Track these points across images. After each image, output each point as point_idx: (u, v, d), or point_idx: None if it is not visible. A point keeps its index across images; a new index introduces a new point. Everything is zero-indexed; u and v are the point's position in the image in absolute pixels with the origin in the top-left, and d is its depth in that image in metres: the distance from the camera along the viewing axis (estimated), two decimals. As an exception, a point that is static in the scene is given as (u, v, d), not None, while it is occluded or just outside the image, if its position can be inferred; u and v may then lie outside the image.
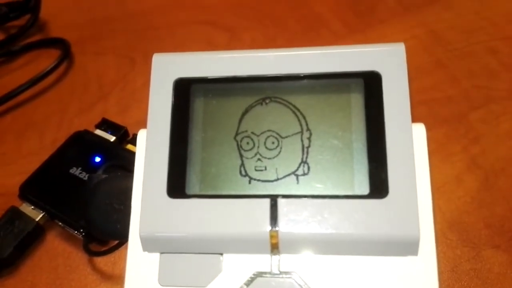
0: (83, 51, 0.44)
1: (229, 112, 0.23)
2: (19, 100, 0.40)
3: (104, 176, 0.26)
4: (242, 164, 0.22)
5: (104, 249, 0.28)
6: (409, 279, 0.20)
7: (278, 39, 0.42)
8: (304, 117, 0.22)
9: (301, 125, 0.22)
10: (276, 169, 0.22)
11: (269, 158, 0.22)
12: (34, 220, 0.31)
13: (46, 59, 0.42)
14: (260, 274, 0.21)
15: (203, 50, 0.24)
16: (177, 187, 0.22)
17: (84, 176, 0.32)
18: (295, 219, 0.21)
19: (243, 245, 0.21)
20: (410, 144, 0.21)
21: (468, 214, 0.30)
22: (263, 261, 0.21)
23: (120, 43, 0.44)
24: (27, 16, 0.45)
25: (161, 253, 0.22)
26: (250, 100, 0.23)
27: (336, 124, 0.22)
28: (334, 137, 0.22)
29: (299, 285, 0.21)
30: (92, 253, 0.28)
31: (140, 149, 0.23)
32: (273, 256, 0.21)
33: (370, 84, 0.22)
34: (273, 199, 0.21)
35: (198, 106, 0.23)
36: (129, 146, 0.34)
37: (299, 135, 0.22)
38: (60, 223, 0.31)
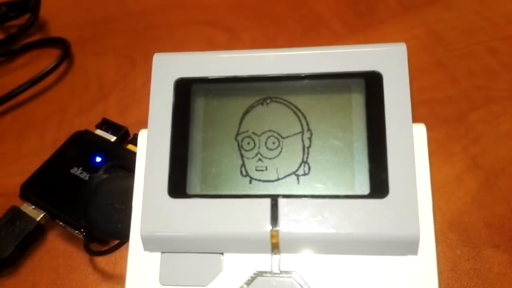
0: (83, 51, 0.44)
1: (230, 112, 0.23)
2: (19, 100, 0.40)
3: (105, 176, 0.26)
4: (243, 164, 0.22)
5: (105, 249, 0.28)
6: (409, 279, 0.20)
7: (278, 39, 0.42)
8: (305, 117, 0.22)
9: (301, 125, 0.22)
10: (277, 169, 0.22)
11: (269, 158, 0.22)
12: (35, 220, 0.31)
13: (46, 59, 0.42)
14: (260, 274, 0.21)
15: (203, 50, 0.24)
16: (178, 187, 0.22)
17: (85, 176, 0.32)
18: (296, 219, 0.21)
19: (243, 244, 0.21)
20: (410, 144, 0.21)
21: (468, 214, 0.30)
22: (264, 261, 0.21)
23: (120, 43, 0.44)
24: (27, 16, 0.45)
25: (162, 252, 0.22)
26: (251, 100, 0.23)
27: (336, 124, 0.22)
28: (334, 137, 0.22)
29: (300, 284, 0.21)
30: (93, 253, 0.28)
31: (141, 149, 0.23)
32: (273, 256, 0.21)
33: (371, 84, 0.22)
34: (274, 199, 0.21)
35: (199, 106, 0.23)
36: (130, 146, 0.34)
37: (299, 135, 0.22)
38: (61, 223, 0.31)
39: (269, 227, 0.21)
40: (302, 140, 0.22)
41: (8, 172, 0.36)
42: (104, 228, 0.25)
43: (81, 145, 0.34)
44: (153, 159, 0.22)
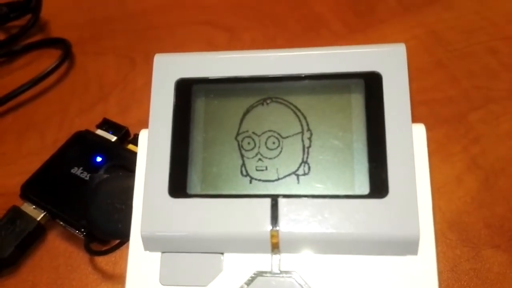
0: (84, 51, 0.44)
1: (230, 112, 0.23)
2: (20, 100, 0.40)
3: (105, 176, 0.26)
4: (243, 164, 0.22)
5: (105, 249, 0.28)
6: (408, 279, 0.20)
7: (278, 39, 0.42)
8: (305, 117, 0.22)
9: (301, 125, 0.22)
10: (277, 169, 0.22)
11: (270, 158, 0.22)
12: (35, 219, 0.31)
13: (47, 59, 0.43)
14: (260, 274, 0.21)
15: (203, 50, 0.25)
16: (178, 186, 0.22)
17: (86, 176, 0.32)
18: (296, 218, 0.21)
19: (243, 244, 0.21)
20: (410, 144, 0.21)
21: (468, 214, 0.30)
22: (264, 261, 0.21)
23: (120, 43, 0.44)
24: (28, 16, 0.45)
25: (162, 252, 0.22)
26: (251, 100, 0.23)
27: (336, 124, 0.22)
28: (334, 137, 0.22)
29: (300, 284, 0.21)
30: (93, 253, 0.28)
31: (142, 149, 0.23)
32: (273, 256, 0.21)
33: (371, 85, 0.22)
34: (274, 198, 0.21)
35: (200, 106, 0.23)
36: (130, 146, 0.34)
37: (299, 135, 0.22)
38: (61, 223, 0.31)
39: (269, 227, 0.21)
40: (302, 140, 0.22)
41: (8, 172, 0.36)
42: (104, 228, 0.25)
43: (81, 145, 0.34)
44: (154, 159, 0.22)
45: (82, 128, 0.35)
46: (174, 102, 0.23)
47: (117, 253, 0.28)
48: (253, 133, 0.23)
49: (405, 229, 0.20)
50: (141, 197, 0.22)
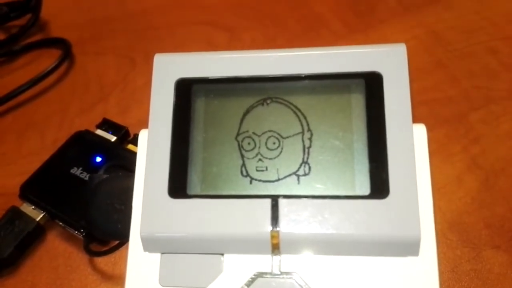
0: (84, 51, 0.44)
1: (230, 113, 0.23)
2: (20, 100, 0.40)
3: (105, 176, 0.26)
4: (243, 164, 0.22)
5: (105, 249, 0.28)
6: (409, 280, 0.20)
7: (278, 39, 0.42)
8: (305, 118, 0.22)
9: (302, 125, 0.22)
10: (277, 169, 0.22)
11: (270, 159, 0.22)
12: (34, 220, 0.31)
13: (47, 59, 0.43)
14: (260, 275, 0.21)
15: (203, 50, 0.24)
16: (178, 187, 0.22)
17: (85, 176, 0.32)
18: (296, 219, 0.21)
19: (244, 245, 0.21)
20: (411, 145, 0.21)
21: (468, 215, 0.30)
22: (264, 262, 0.21)
23: (120, 43, 0.44)
24: (28, 16, 0.45)
25: (162, 253, 0.22)
26: (251, 100, 0.23)
27: (337, 124, 0.22)
28: (335, 138, 0.22)
29: (300, 285, 0.21)
30: (92, 253, 0.28)
31: (142, 149, 0.23)
32: (274, 257, 0.21)
33: (371, 85, 0.22)
34: (274, 199, 0.21)
35: (200, 106, 0.23)
36: (130, 146, 0.34)
37: (300, 136, 0.22)
38: (61, 223, 0.31)
39: (269, 228, 0.21)
40: (303, 141, 0.22)
41: (8, 172, 0.36)
42: (104, 228, 0.25)
43: (81, 145, 0.34)
44: (154, 159, 0.22)
45: (82, 128, 0.35)
46: (174, 102, 0.23)
47: (117, 253, 0.28)
48: (253, 133, 0.22)
49: (406, 230, 0.20)
50: (141, 197, 0.22)
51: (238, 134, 0.23)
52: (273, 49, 0.23)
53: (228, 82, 0.23)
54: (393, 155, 0.21)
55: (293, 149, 0.22)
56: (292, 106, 0.23)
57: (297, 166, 0.22)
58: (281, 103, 0.23)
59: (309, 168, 0.22)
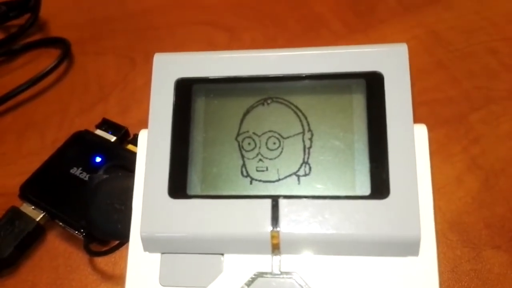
0: (83, 51, 0.44)
1: (230, 113, 0.23)
2: (19, 100, 0.40)
3: (105, 176, 0.26)
4: (244, 165, 0.22)
5: (105, 249, 0.28)
6: (409, 280, 0.20)
7: (278, 39, 0.42)
8: (306, 118, 0.22)
9: (302, 125, 0.22)
10: (278, 169, 0.22)
11: (270, 159, 0.22)
12: (34, 220, 0.31)
13: (46, 58, 0.42)
14: (261, 275, 0.21)
15: (203, 50, 0.24)
16: (178, 187, 0.22)
17: (85, 176, 0.32)
18: (296, 219, 0.21)
19: (244, 245, 0.21)
20: (411, 145, 0.21)
21: (468, 215, 0.30)
22: (264, 262, 0.21)
23: (120, 43, 0.44)
24: (27, 16, 0.45)
25: (162, 253, 0.22)
26: (252, 100, 0.23)
27: (337, 124, 0.22)
28: (335, 138, 0.22)
29: (300, 285, 0.21)
30: (92, 253, 0.28)
31: (141, 149, 0.23)
32: (274, 257, 0.21)
33: (372, 85, 0.22)
34: (274, 199, 0.21)
35: (200, 106, 0.23)
36: (130, 146, 0.34)
37: (300, 136, 0.22)
38: (61, 223, 0.31)
39: (269, 228, 0.21)
40: (303, 141, 0.22)
41: (8, 172, 0.36)
42: (104, 229, 0.25)
43: (81, 145, 0.34)
44: (153, 159, 0.22)
45: (82, 128, 0.35)
46: (174, 102, 0.23)
47: (117, 253, 0.28)
48: (254, 133, 0.22)
49: (406, 230, 0.20)
50: (141, 197, 0.22)
51: (238, 134, 0.23)
52: (273, 49, 0.23)
53: (228, 82, 0.23)
54: (393, 155, 0.21)
55: (293, 149, 0.22)
56: (292, 106, 0.23)
57: (298, 166, 0.22)
58: (281, 103, 0.23)
59: (310, 168, 0.22)
